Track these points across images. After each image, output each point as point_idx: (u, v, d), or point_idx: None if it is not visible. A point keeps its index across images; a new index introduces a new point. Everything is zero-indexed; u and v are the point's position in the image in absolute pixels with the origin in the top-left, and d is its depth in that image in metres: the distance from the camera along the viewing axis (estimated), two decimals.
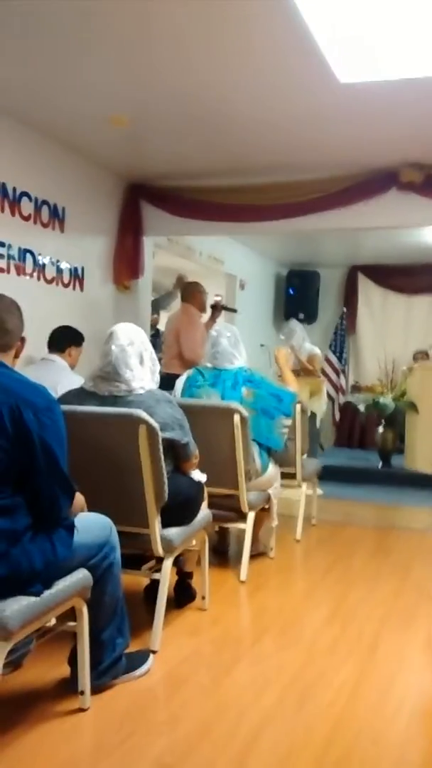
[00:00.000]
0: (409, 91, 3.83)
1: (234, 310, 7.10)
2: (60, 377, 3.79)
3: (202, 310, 5.98)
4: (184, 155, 5.18)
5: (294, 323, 6.74)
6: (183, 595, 3.32)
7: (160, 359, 6.25)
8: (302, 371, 6.28)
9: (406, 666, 2.81)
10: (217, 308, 6.31)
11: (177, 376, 4.21)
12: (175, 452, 2.92)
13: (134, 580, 3.26)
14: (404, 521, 5.50)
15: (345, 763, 2.06)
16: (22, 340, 2.19)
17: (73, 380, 3.63)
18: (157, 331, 7.24)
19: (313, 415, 6.01)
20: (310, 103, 4.10)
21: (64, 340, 4.18)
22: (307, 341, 6.42)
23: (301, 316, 9.17)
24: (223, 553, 4.30)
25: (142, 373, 2.83)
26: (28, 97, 4.20)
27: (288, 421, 3.94)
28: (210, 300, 6.39)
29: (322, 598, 3.60)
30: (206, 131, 4.66)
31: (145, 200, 5.83)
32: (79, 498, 2.27)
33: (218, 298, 7.17)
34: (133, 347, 2.82)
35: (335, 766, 2.05)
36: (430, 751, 2.18)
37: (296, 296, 9.42)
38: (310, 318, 9.40)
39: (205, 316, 6.13)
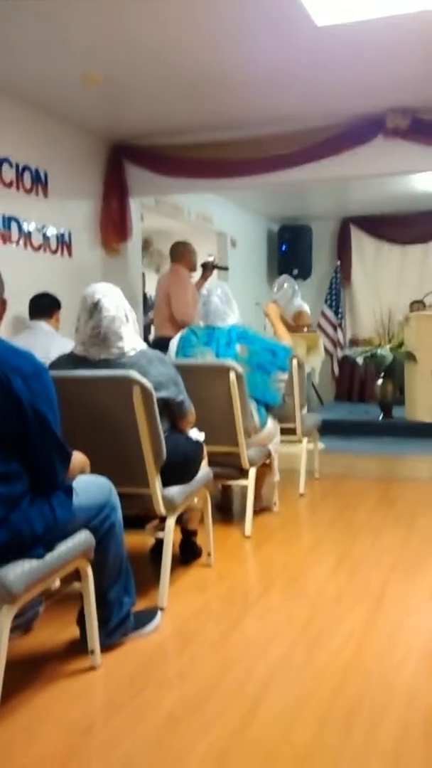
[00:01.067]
0: (388, 31, 3.74)
1: (225, 268, 7.02)
2: (51, 342, 3.77)
3: (192, 269, 5.90)
4: (164, 113, 5.08)
5: (283, 279, 6.66)
6: (188, 553, 3.34)
7: (151, 322, 6.23)
8: (288, 327, 6.22)
9: (413, 613, 2.83)
10: (207, 267, 6.21)
11: (170, 338, 4.18)
12: (170, 411, 2.91)
13: (140, 541, 3.27)
14: (407, 471, 5.52)
15: (355, 710, 2.08)
16: (3, 302, 2.14)
17: (64, 343, 3.61)
18: (145, 295, 7.15)
19: (312, 372, 5.98)
20: (288, 50, 4.00)
21: (47, 306, 4.16)
22: (298, 297, 6.32)
23: (295, 272, 9.09)
24: (226, 510, 4.33)
25: (130, 335, 2.80)
26: (3, 64, 4.10)
27: (284, 376, 3.92)
28: (202, 259, 6.31)
29: (327, 550, 3.62)
30: (185, 86, 4.56)
31: (129, 160, 5.74)
32: (78, 457, 2.27)
33: (210, 258, 7.09)
34: (119, 310, 2.77)
35: (345, 714, 2.06)
36: None
37: (289, 252, 9.34)
38: (304, 273, 9.34)
39: (196, 276, 6.05)
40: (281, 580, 3.23)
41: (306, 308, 6.31)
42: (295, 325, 6.23)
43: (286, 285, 6.34)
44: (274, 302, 6.09)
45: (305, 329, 6.39)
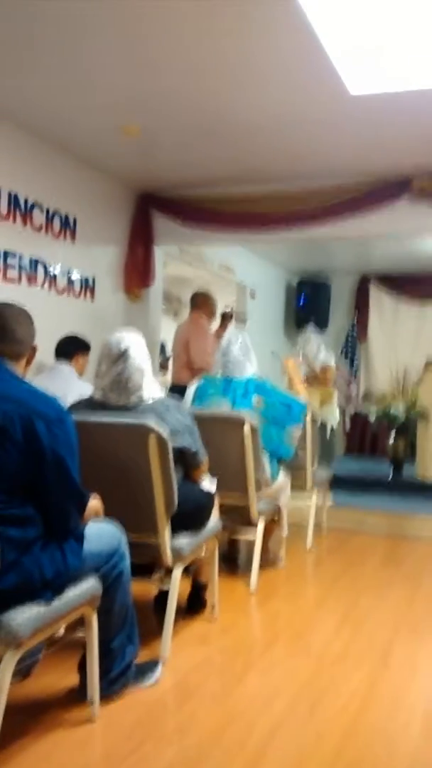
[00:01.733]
0: (420, 101, 3.84)
1: (243, 320, 7.10)
2: (69, 385, 3.81)
3: (212, 318, 5.97)
4: (194, 165, 5.21)
5: (310, 331, 6.70)
6: (194, 605, 3.32)
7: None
8: (314, 381, 6.25)
9: (418, 674, 2.80)
10: (226, 317, 6.30)
11: (186, 385, 4.22)
12: (184, 460, 2.93)
13: (144, 589, 3.26)
14: (415, 530, 5.47)
15: None
16: (33, 349, 2.20)
17: (83, 387, 3.65)
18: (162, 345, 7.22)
19: (324, 426, 5.98)
20: (320, 114, 4.12)
21: (72, 347, 4.21)
22: (324, 351, 6.35)
23: (310, 324, 9.16)
24: (233, 562, 4.30)
25: (150, 384, 2.84)
26: (39, 109, 4.24)
27: (298, 431, 3.94)
28: (224, 309, 6.40)
29: (332, 607, 3.58)
30: (217, 141, 4.68)
31: (156, 209, 5.86)
32: (93, 503, 2.28)
33: (228, 309, 7.16)
34: (144, 361, 2.82)
35: None
36: None
37: (307, 305, 9.41)
38: (321, 326, 9.37)
39: (215, 325, 6.13)
40: (285, 635, 3.20)
41: (332, 363, 6.32)
42: (323, 378, 6.25)
43: (313, 338, 6.37)
44: (299, 356, 6.15)
45: (332, 384, 6.39)
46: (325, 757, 2.12)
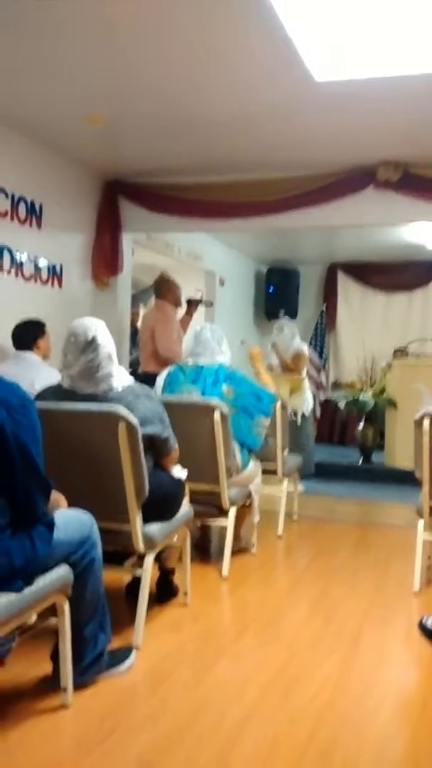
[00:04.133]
0: (384, 89, 3.84)
1: (210, 304, 7.07)
2: (35, 373, 3.75)
3: (177, 305, 5.92)
4: (161, 152, 5.17)
5: (284, 321, 6.71)
6: (165, 591, 3.31)
7: (137, 358, 6.23)
8: (285, 369, 6.28)
9: (388, 660, 2.83)
10: (192, 303, 6.23)
11: (154, 374, 4.20)
12: (155, 447, 2.91)
13: (116, 577, 3.24)
14: (384, 517, 5.54)
15: (327, 756, 2.07)
16: None
17: (50, 374, 3.60)
18: (136, 328, 7.16)
19: (294, 413, 6.01)
20: (286, 102, 4.11)
21: (29, 336, 4.07)
22: (296, 338, 6.38)
23: (281, 313, 9.18)
24: (205, 550, 4.31)
25: (119, 371, 2.83)
26: (5, 95, 4.17)
27: (266, 421, 3.95)
28: (189, 295, 6.36)
29: (303, 594, 3.61)
30: (183, 129, 4.65)
31: (123, 197, 5.81)
32: (54, 496, 2.26)
33: (198, 294, 7.12)
34: (112, 347, 2.80)
35: (318, 760, 2.05)
36: (411, 744, 2.19)
37: (276, 293, 9.43)
38: (289, 315, 9.33)
39: (181, 312, 6.09)
40: (257, 622, 3.21)
41: (304, 350, 6.34)
42: (294, 366, 6.28)
43: (286, 329, 6.39)
44: (270, 345, 6.17)
45: (304, 370, 6.42)
46: (297, 743, 2.13)
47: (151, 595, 2.99)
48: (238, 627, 3.21)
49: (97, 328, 2.78)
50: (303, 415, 6.09)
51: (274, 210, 5.40)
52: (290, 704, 2.40)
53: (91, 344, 2.73)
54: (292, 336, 6.33)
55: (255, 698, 2.43)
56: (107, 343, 2.78)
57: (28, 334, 4.09)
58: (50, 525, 2.13)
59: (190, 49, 3.48)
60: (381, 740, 2.18)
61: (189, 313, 6.17)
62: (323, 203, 5.30)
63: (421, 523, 3.67)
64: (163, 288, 5.88)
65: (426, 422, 3.46)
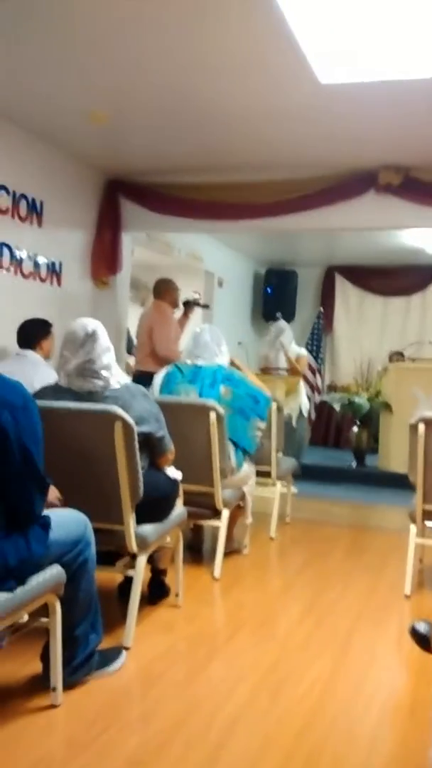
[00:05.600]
0: (388, 93, 3.86)
1: (206, 306, 7.09)
2: (35, 372, 3.75)
3: (175, 306, 5.97)
4: (164, 152, 5.17)
5: (283, 323, 6.75)
6: (157, 592, 3.32)
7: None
8: (289, 371, 6.31)
9: (378, 662, 2.84)
10: (189, 305, 6.27)
11: (151, 373, 4.21)
12: (150, 447, 2.92)
13: (108, 577, 3.25)
14: (378, 520, 5.55)
15: (316, 756, 2.08)
16: None
17: (49, 374, 3.60)
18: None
19: (290, 416, 6.02)
20: (290, 103, 4.12)
21: (33, 335, 4.07)
22: (294, 341, 6.43)
23: (279, 314, 9.19)
24: (197, 551, 4.31)
25: (116, 369, 2.84)
26: (8, 91, 4.17)
27: (262, 425, 3.95)
28: (187, 296, 6.37)
29: (296, 596, 3.62)
30: (186, 129, 4.66)
31: (125, 196, 5.81)
32: (51, 491, 2.27)
33: (196, 295, 7.14)
34: (107, 342, 2.82)
35: (307, 760, 2.06)
36: (399, 745, 2.20)
37: (274, 295, 9.44)
38: (287, 317, 9.39)
39: (178, 313, 6.12)
40: (249, 624, 3.22)
41: (305, 353, 6.39)
42: (299, 368, 6.32)
43: (287, 331, 6.43)
44: (271, 346, 6.20)
45: (305, 373, 6.47)
46: (286, 744, 2.14)
47: (143, 595, 2.99)
48: (230, 628, 3.22)
49: (95, 324, 2.82)
50: (300, 415, 6.11)
51: (275, 212, 5.41)
52: (280, 705, 2.41)
53: (90, 337, 2.76)
54: (291, 338, 6.37)
55: (246, 698, 2.44)
56: (105, 338, 2.81)
57: (33, 333, 4.09)
58: (46, 526, 2.13)
59: (194, 48, 3.49)
60: (369, 741, 2.20)
61: (186, 314, 6.21)
62: (324, 206, 5.30)
63: (413, 527, 3.68)
64: (162, 289, 5.92)
65: (421, 427, 3.47)
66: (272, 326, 6.81)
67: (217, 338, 3.99)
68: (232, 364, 4.36)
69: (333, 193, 5.27)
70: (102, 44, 3.51)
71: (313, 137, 4.68)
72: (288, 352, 6.33)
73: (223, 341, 4.03)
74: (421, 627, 2.61)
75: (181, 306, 6.13)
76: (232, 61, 3.62)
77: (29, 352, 4.01)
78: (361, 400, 7.33)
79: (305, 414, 6.21)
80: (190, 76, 3.84)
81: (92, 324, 2.81)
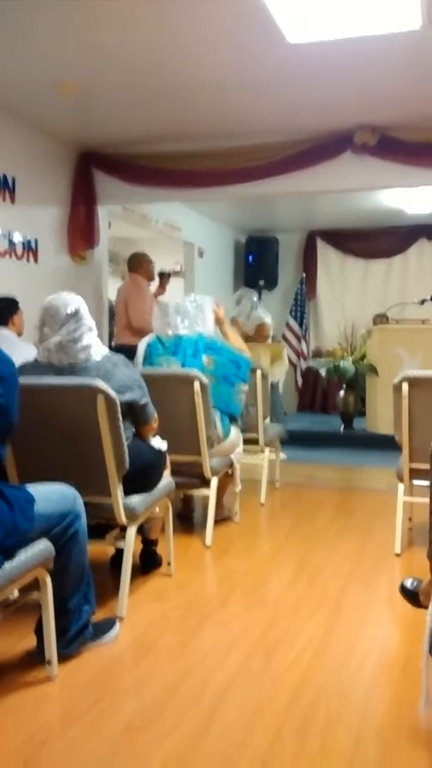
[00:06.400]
0: (359, 50, 3.80)
1: (176, 273, 7.11)
2: (13, 349, 3.70)
3: (150, 279, 6.03)
4: (135, 122, 5.09)
5: (241, 293, 6.71)
6: (148, 562, 3.34)
7: (112, 331, 6.26)
8: (250, 339, 6.31)
9: (370, 622, 2.87)
10: (164, 276, 6.32)
11: (129, 346, 4.21)
12: (134, 416, 2.92)
13: (100, 550, 3.26)
14: (366, 482, 5.59)
15: (311, 718, 2.11)
16: None
17: (27, 350, 3.57)
18: (110, 303, 7.16)
19: (276, 382, 6.04)
20: (259, 65, 4.05)
21: (4, 313, 4.06)
22: (258, 309, 6.38)
23: (261, 282, 9.18)
24: (188, 520, 4.33)
25: (96, 340, 2.83)
26: None
27: (245, 387, 3.96)
28: (160, 268, 6.39)
29: (286, 559, 3.65)
30: (156, 97, 4.58)
31: (98, 168, 5.73)
32: None
33: (177, 267, 7.12)
34: (90, 320, 2.81)
35: (301, 721, 2.09)
36: (392, 703, 2.24)
37: (255, 263, 9.39)
38: (270, 284, 9.40)
39: (154, 285, 6.16)
40: (240, 589, 3.24)
41: (268, 320, 6.33)
42: (259, 336, 6.29)
43: (244, 300, 6.39)
44: (233, 319, 6.16)
45: (268, 341, 6.44)
46: (280, 707, 2.17)
47: (135, 566, 3.01)
48: (222, 594, 3.24)
49: (77, 301, 2.80)
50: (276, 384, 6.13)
51: (251, 177, 5.35)
52: (273, 668, 2.44)
53: (73, 316, 2.74)
54: (252, 307, 6.31)
55: (239, 663, 2.46)
56: (88, 317, 2.80)
57: (2, 311, 4.05)
58: (30, 500, 2.13)
59: (160, 13, 3.42)
60: (363, 700, 2.23)
61: (162, 285, 6.25)
62: (300, 169, 5.25)
63: (401, 486, 3.71)
64: (136, 262, 6.04)
65: (405, 386, 3.48)
66: (233, 297, 6.79)
67: (198, 306, 3.96)
68: (217, 319, 4.23)
69: (309, 155, 5.21)
70: (67, 13, 3.42)
71: (286, 100, 4.61)
72: (242, 325, 6.29)
73: (206, 309, 4.00)
74: (409, 583, 2.65)
75: (156, 278, 6.17)
76: (198, 26, 3.55)
77: (4, 330, 3.98)
78: (347, 364, 7.33)
79: (282, 381, 6.22)
80: (157, 42, 3.76)
81: (74, 302, 2.77)
